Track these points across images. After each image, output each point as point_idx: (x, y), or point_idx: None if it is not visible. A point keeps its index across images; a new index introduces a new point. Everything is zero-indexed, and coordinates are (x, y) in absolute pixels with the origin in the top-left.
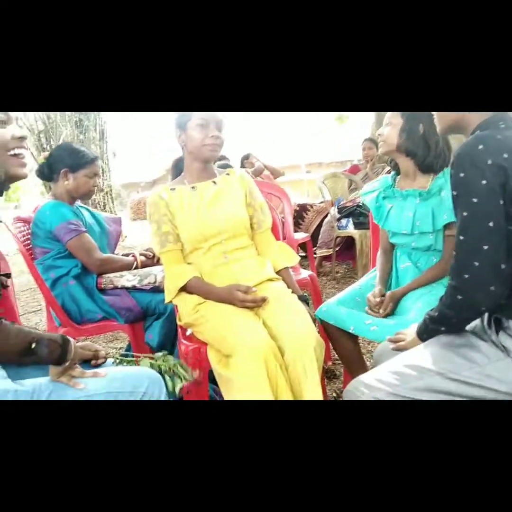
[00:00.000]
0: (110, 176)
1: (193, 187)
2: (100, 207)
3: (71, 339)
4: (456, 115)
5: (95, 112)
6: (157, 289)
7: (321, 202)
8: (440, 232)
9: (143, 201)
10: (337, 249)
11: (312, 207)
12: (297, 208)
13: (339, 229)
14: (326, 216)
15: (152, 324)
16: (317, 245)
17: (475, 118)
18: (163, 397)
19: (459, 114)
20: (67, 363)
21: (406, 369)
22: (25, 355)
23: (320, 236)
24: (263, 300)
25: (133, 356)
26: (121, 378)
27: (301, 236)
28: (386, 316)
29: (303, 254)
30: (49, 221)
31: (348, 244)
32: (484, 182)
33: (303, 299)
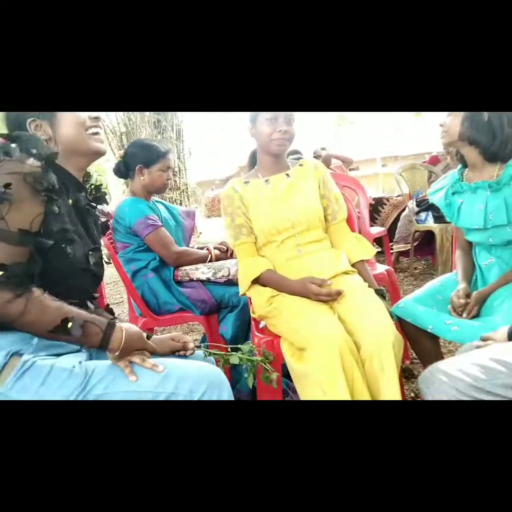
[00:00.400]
0: (186, 175)
1: (266, 180)
2: (176, 204)
3: (123, 326)
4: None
5: (172, 112)
6: (231, 282)
7: (398, 196)
8: None
9: (217, 199)
10: (415, 244)
11: (388, 201)
12: (373, 202)
13: (418, 223)
14: (403, 210)
15: (226, 317)
16: (394, 240)
17: None
18: (225, 397)
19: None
20: (116, 352)
21: (494, 364)
22: (57, 332)
23: (397, 231)
24: (338, 293)
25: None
26: (177, 378)
27: (377, 230)
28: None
29: (379, 249)
30: (128, 217)
31: (427, 239)
32: None
33: (380, 293)
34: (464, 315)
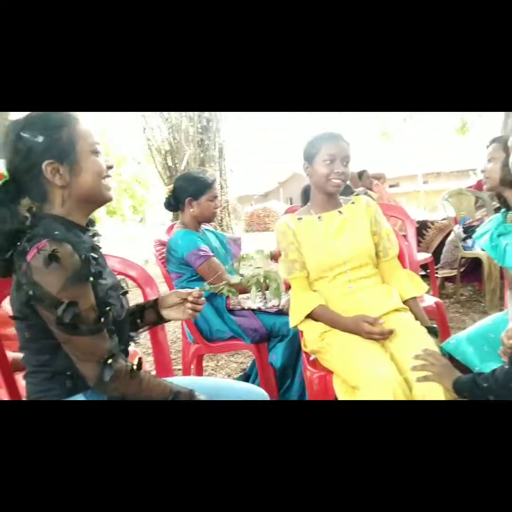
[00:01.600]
0: (228, 192)
1: (319, 217)
2: (217, 220)
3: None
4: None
5: (215, 131)
6: (281, 312)
7: (444, 219)
8: None
9: (255, 214)
10: (461, 270)
11: (433, 224)
12: (417, 225)
13: (465, 250)
14: (448, 234)
15: (276, 345)
16: (440, 265)
17: None
18: None
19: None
20: None
21: None
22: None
23: (442, 256)
24: (391, 332)
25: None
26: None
27: (423, 256)
28: None
29: (424, 273)
30: (180, 249)
31: (474, 265)
32: None
33: (432, 331)
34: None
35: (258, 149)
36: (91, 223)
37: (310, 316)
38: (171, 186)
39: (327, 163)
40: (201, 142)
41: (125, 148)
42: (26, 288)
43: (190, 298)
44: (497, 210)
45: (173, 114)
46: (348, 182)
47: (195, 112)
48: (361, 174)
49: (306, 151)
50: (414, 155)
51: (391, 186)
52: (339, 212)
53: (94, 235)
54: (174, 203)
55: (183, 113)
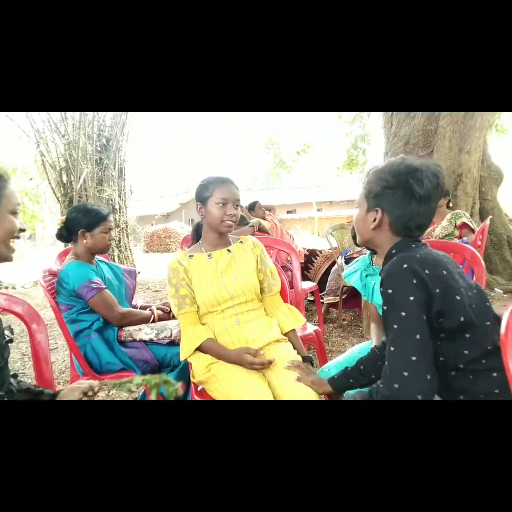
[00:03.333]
0: (126, 213)
1: (209, 255)
2: (115, 241)
3: None
4: (369, 235)
5: (115, 150)
6: (173, 343)
7: (330, 249)
8: None
9: (156, 234)
10: (343, 296)
11: (321, 253)
12: (307, 253)
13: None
14: (334, 262)
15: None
16: (325, 292)
17: (385, 238)
18: None
19: (371, 233)
20: None
21: None
22: None
23: (327, 284)
24: (270, 362)
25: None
26: None
27: (309, 285)
28: None
29: (311, 298)
30: (72, 281)
31: (355, 292)
32: (411, 297)
33: (308, 360)
34: None
35: (160, 169)
36: None
37: (199, 349)
38: (64, 217)
39: (220, 206)
40: (100, 161)
41: (17, 160)
42: None
43: (90, 393)
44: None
45: (70, 130)
46: (242, 213)
47: (94, 131)
48: (253, 206)
49: (199, 193)
50: (309, 185)
51: (288, 212)
52: (228, 250)
53: None
54: (67, 235)
55: (82, 131)
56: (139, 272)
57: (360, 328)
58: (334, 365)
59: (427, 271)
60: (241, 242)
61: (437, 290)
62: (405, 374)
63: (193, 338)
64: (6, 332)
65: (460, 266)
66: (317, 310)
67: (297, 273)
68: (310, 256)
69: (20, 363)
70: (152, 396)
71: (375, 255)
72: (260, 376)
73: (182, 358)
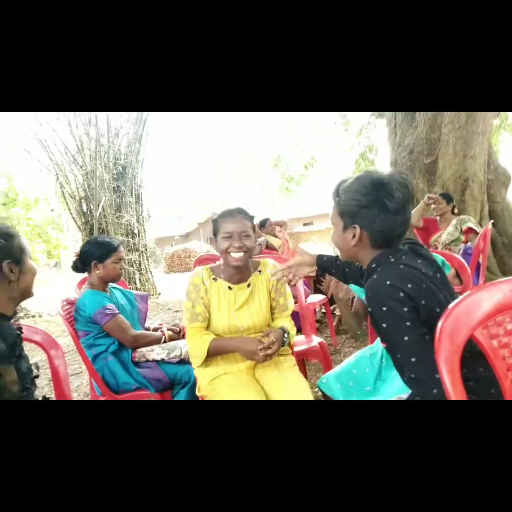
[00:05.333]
0: (145, 237)
1: (230, 288)
2: (136, 265)
3: None
4: (351, 251)
5: (131, 178)
6: (183, 361)
7: None
8: None
9: (176, 255)
10: None
11: None
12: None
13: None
14: None
15: (179, 392)
16: (336, 304)
17: (366, 253)
18: None
19: (353, 250)
20: None
21: None
22: None
23: None
24: (272, 342)
25: None
26: None
27: (318, 299)
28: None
29: (324, 310)
30: (88, 309)
31: None
32: (405, 308)
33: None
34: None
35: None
36: (15, 312)
37: (208, 354)
38: (78, 251)
39: (226, 238)
40: (117, 188)
41: (39, 191)
42: None
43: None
44: None
45: (87, 161)
46: None
47: (110, 160)
48: (264, 223)
49: (213, 228)
50: (324, 196)
51: (305, 224)
52: (248, 285)
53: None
54: (81, 266)
55: (98, 161)
56: (159, 294)
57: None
58: (334, 374)
59: (409, 285)
60: (259, 271)
61: (423, 302)
62: (437, 376)
63: (200, 345)
64: (34, 369)
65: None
66: (329, 322)
67: (301, 288)
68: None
69: (48, 389)
70: None
71: None
72: (259, 389)
73: (196, 365)
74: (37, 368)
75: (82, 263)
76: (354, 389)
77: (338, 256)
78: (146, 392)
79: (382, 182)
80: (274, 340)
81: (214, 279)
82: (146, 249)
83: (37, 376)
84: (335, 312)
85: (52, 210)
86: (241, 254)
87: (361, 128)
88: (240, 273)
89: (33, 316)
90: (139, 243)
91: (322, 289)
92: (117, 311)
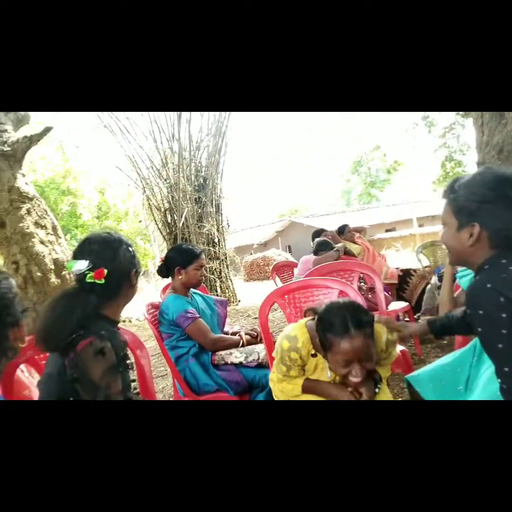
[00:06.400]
0: (225, 245)
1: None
2: (216, 273)
3: None
4: (466, 252)
5: (211, 188)
6: (261, 365)
7: (426, 267)
8: None
9: (255, 263)
10: None
11: (415, 272)
12: (400, 273)
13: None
14: (429, 281)
15: (257, 396)
16: (421, 312)
17: (482, 254)
18: None
19: (468, 251)
20: None
21: None
22: None
23: (423, 302)
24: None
25: None
26: None
27: (400, 305)
28: None
29: (407, 319)
30: (171, 312)
31: None
32: (504, 315)
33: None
34: None
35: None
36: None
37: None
38: (164, 256)
39: (342, 364)
40: (199, 199)
41: (128, 204)
42: (71, 372)
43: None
44: None
45: (171, 174)
46: (327, 239)
47: (192, 172)
48: (342, 229)
49: (321, 336)
50: (407, 201)
51: (387, 230)
52: None
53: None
54: (166, 271)
55: (181, 173)
56: (239, 301)
57: None
58: (428, 372)
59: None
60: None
61: None
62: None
63: (292, 386)
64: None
65: None
66: None
67: (381, 295)
68: (405, 277)
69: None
70: None
71: None
72: None
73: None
74: (133, 368)
75: (166, 268)
76: (447, 388)
77: (445, 314)
78: (226, 394)
79: (507, 178)
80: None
81: (313, 355)
82: (226, 258)
83: (134, 380)
84: (419, 320)
85: (140, 221)
86: (358, 379)
87: (444, 129)
88: None
89: (123, 321)
90: (219, 251)
91: (406, 297)
92: (198, 315)
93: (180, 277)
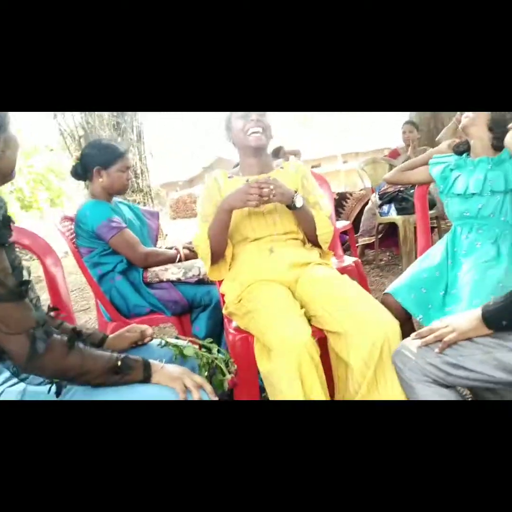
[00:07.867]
0: (148, 177)
1: (247, 180)
2: (141, 206)
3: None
4: None
5: (132, 114)
6: (202, 281)
7: (361, 189)
8: (508, 199)
9: (181, 200)
10: (379, 236)
11: (351, 195)
12: (337, 197)
13: (381, 216)
14: (366, 203)
15: (199, 316)
16: (359, 233)
17: None
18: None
19: None
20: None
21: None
22: (109, 375)
23: (361, 224)
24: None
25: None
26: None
27: (342, 224)
28: None
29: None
30: (90, 221)
31: (390, 231)
32: None
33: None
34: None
35: (180, 133)
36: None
37: (210, 240)
38: (79, 153)
39: (241, 118)
40: (117, 125)
41: (37, 137)
42: None
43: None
44: None
45: None
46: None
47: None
48: (278, 151)
49: (225, 123)
50: (332, 137)
51: (313, 166)
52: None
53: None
54: (82, 172)
55: None
56: (166, 235)
57: (399, 266)
58: (404, 284)
59: None
60: (281, 167)
61: None
62: None
63: (201, 238)
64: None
65: None
66: (352, 250)
67: (331, 205)
68: (340, 200)
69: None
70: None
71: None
72: (294, 305)
73: (214, 277)
74: (29, 273)
75: (82, 169)
76: (429, 296)
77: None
78: (161, 315)
79: None
80: (271, 178)
81: (229, 177)
82: (150, 190)
83: (28, 281)
84: (358, 241)
85: (52, 150)
86: (260, 130)
87: None
88: (260, 164)
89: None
90: (142, 183)
91: (343, 217)
92: (124, 225)
93: (100, 180)
